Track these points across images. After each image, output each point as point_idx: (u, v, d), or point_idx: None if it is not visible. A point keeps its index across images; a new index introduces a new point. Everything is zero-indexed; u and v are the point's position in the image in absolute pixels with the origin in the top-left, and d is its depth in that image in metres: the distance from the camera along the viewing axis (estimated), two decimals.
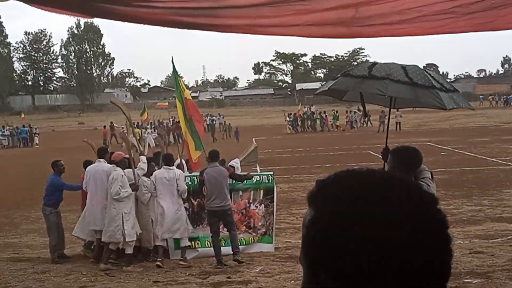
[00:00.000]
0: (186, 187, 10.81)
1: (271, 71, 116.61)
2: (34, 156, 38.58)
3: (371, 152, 26.67)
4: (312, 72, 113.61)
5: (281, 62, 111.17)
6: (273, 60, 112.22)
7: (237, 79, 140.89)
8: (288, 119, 51.05)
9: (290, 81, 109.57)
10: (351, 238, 0.93)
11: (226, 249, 10.71)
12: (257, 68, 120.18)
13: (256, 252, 11.26)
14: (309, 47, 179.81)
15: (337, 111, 52.97)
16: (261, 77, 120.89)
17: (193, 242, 11.07)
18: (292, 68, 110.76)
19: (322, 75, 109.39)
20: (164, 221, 10.61)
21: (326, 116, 51.79)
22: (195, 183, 11.06)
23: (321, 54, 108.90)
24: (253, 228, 11.53)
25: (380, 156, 6.40)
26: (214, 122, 52.47)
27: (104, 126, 42.09)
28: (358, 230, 0.93)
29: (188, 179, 11.17)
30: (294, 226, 13.39)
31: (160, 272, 9.99)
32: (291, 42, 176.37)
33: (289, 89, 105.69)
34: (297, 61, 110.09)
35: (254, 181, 11.48)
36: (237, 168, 12.65)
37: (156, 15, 3.77)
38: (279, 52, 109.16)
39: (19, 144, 49.27)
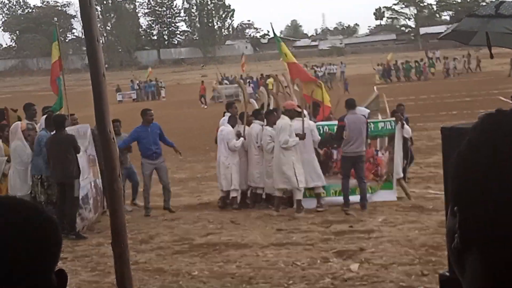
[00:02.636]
0: (319, 137, 10.99)
1: (393, 16, 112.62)
2: (161, 109, 40.20)
3: (502, 98, 25.31)
4: (437, 15, 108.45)
5: (403, 5, 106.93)
6: (395, 4, 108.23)
7: (358, 25, 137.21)
8: (377, 68, 49.40)
9: (413, 26, 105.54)
10: (491, 175, 0.86)
11: (352, 198, 10.80)
12: (378, 14, 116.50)
13: (379, 201, 11.21)
14: None
15: (431, 58, 50.60)
16: (383, 22, 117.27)
17: None
18: (415, 12, 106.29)
19: (448, 17, 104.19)
20: (299, 171, 10.80)
21: (424, 63, 49.41)
22: (321, 132, 11.18)
23: None
24: (380, 176, 11.52)
25: (511, 101, 6.05)
26: (330, 71, 51.96)
27: (202, 82, 42.72)
28: (499, 169, 0.86)
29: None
30: (418, 175, 13.11)
31: (283, 220, 10.19)
32: None
33: (412, 34, 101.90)
34: (421, 4, 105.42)
35: (379, 128, 11.46)
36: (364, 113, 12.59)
37: None
38: None
39: (146, 97, 51.37)
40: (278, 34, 14.84)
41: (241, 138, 11.48)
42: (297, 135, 10.58)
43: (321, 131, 11.19)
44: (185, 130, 24.88)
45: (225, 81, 46.71)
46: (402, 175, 11.62)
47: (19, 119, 11.25)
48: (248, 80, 42.81)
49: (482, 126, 0.93)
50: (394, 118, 11.89)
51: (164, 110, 38.90)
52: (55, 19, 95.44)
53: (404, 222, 9.37)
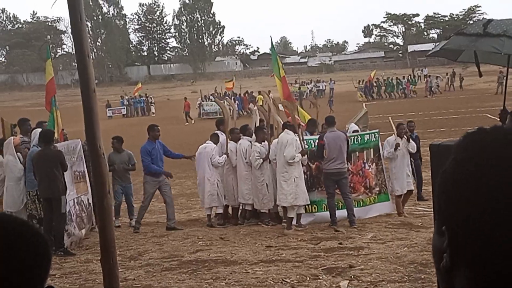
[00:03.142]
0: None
1: (381, 34, 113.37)
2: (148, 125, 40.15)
3: (489, 115, 25.47)
4: (425, 33, 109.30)
5: (392, 23, 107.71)
6: (383, 22, 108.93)
7: (346, 43, 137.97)
8: (358, 85, 49.56)
9: (401, 43, 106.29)
10: (474, 192, 0.88)
11: (341, 213, 10.80)
12: (367, 31, 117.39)
13: (373, 216, 11.31)
14: (422, 6, 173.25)
15: (414, 76, 50.88)
16: (371, 40, 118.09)
17: (310, 206, 11.16)
18: (403, 30, 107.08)
19: (435, 35, 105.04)
20: (299, 189, 10.71)
21: (407, 81, 49.52)
22: (312, 146, 11.15)
23: (434, 13, 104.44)
24: (369, 188, 11.56)
25: (498, 119, 6.09)
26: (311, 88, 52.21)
27: (185, 98, 42.85)
28: (482, 185, 0.88)
29: (304, 142, 10.97)
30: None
31: (272, 237, 10.17)
32: (402, 2, 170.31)
33: (400, 52, 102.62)
34: (409, 22, 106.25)
35: (365, 141, 11.53)
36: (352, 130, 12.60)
37: None
38: (390, 13, 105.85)
39: (136, 113, 51.31)
40: (269, 50, 14.88)
41: (224, 155, 11.46)
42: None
43: (312, 145, 11.20)
44: (175, 146, 24.68)
45: (211, 98, 46.70)
46: (404, 191, 11.44)
47: (13, 133, 11.14)
48: (232, 97, 42.82)
49: (465, 144, 0.95)
50: (377, 130, 12.00)
51: None
52: (48, 37, 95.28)
53: (393, 239, 9.37)
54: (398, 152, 11.33)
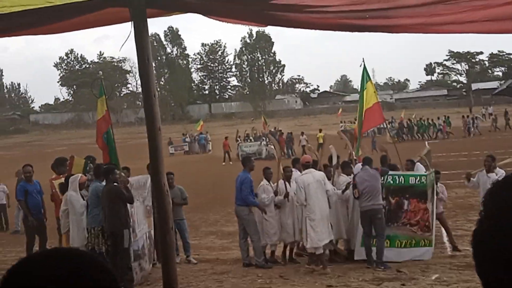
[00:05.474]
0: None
1: (444, 71, 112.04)
2: (208, 162, 40.52)
3: None
4: (489, 71, 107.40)
5: (455, 61, 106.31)
6: (446, 60, 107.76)
7: (408, 81, 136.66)
8: (388, 126, 48.21)
9: (465, 81, 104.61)
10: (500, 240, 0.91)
11: (407, 252, 10.99)
12: (429, 69, 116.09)
13: (437, 257, 11.10)
14: (486, 44, 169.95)
15: (448, 116, 49.31)
16: (434, 78, 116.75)
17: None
18: (467, 68, 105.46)
19: (500, 73, 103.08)
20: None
21: (444, 122, 47.93)
22: (397, 182, 11.36)
23: (499, 51, 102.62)
24: (429, 228, 11.36)
25: None
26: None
27: (226, 138, 42.39)
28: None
29: (389, 177, 11.36)
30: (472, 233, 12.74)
31: (333, 277, 10.02)
32: (466, 40, 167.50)
33: (464, 90, 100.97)
34: (473, 60, 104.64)
35: (431, 179, 11.46)
36: (421, 170, 12.40)
37: (328, 20, 3.78)
38: (453, 51, 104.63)
39: (197, 150, 52.07)
40: (329, 88, 14.94)
41: (271, 194, 11.41)
42: None
43: (397, 181, 11.37)
44: (232, 183, 24.92)
45: (250, 138, 46.83)
46: None
47: (87, 169, 11.39)
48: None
49: (491, 199, 0.94)
50: (434, 170, 11.94)
51: (211, 163, 39.18)
52: (100, 72, 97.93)
53: (458, 281, 9.08)
54: (483, 186, 11.13)
